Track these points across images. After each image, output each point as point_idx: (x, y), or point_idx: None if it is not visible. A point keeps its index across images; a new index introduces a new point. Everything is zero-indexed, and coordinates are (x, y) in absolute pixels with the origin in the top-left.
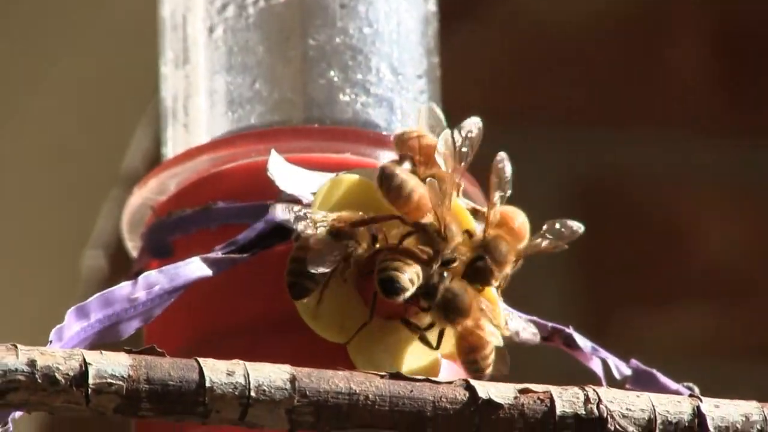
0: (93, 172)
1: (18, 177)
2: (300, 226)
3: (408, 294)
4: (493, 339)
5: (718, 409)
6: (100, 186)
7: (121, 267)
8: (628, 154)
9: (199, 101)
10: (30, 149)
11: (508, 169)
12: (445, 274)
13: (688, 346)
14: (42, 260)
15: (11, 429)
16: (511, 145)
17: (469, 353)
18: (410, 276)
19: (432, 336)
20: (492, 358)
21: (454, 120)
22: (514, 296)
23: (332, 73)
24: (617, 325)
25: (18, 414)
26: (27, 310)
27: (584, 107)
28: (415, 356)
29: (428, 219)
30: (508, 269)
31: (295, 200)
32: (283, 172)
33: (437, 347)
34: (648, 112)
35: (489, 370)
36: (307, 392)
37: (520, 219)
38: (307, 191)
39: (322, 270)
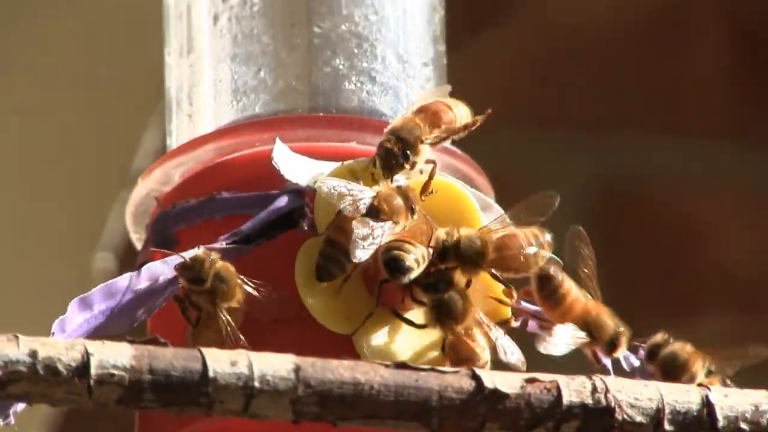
0: (102, 173)
1: (26, 178)
2: (345, 203)
3: (413, 275)
4: (484, 354)
5: (727, 399)
6: (109, 187)
7: (131, 269)
8: (649, 159)
9: (204, 91)
10: (38, 149)
11: None
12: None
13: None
14: (51, 262)
15: (13, 422)
16: (533, 150)
17: (457, 364)
18: (415, 256)
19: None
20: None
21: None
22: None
23: (337, 61)
24: (637, 333)
25: (20, 407)
26: (37, 313)
27: (606, 112)
28: (421, 345)
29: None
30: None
31: (299, 190)
32: (288, 161)
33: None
34: (670, 118)
35: None
36: (312, 382)
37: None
38: (312, 180)
39: (363, 259)
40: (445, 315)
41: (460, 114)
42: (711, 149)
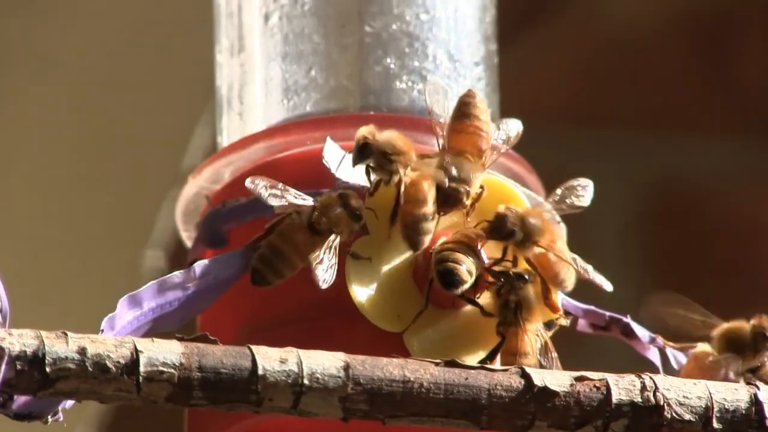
0: (153, 171)
1: (77, 176)
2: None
3: (466, 287)
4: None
5: None
6: (159, 185)
7: (181, 267)
8: (701, 159)
9: (255, 89)
10: (89, 147)
11: None
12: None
13: None
14: (102, 259)
15: (61, 419)
16: (585, 149)
17: (511, 359)
18: (468, 267)
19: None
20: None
21: (530, 123)
22: (586, 298)
23: (388, 60)
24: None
25: (69, 403)
26: (87, 310)
27: (659, 111)
28: (471, 344)
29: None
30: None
31: (350, 188)
32: (338, 159)
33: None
34: (724, 116)
35: None
36: (361, 380)
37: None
38: (363, 179)
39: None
40: (520, 312)
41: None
42: (762, 149)
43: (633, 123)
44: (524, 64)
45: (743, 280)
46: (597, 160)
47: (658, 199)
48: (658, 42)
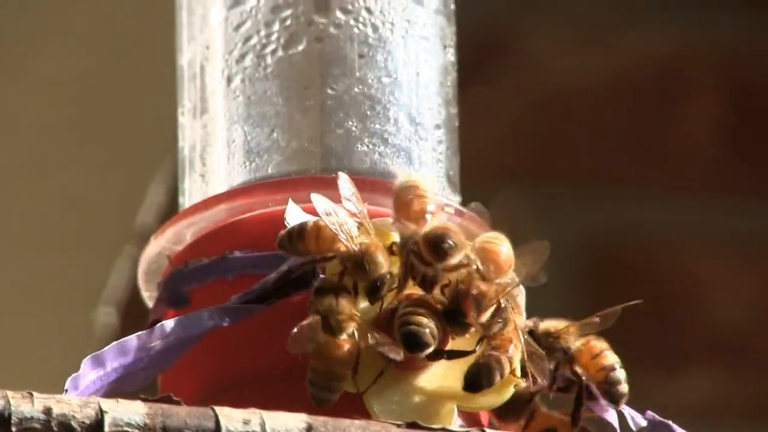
0: (106, 228)
1: (30, 230)
2: None
3: (430, 350)
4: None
5: None
6: (113, 242)
7: (133, 324)
8: (638, 214)
9: (217, 151)
10: (42, 202)
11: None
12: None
13: (696, 409)
14: (53, 315)
15: None
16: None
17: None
18: (431, 329)
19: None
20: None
21: (468, 177)
22: None
23: (350, 122)
24: (631, 388)
25: None
26: (40, 365)
27: (597, 168)
28: (430, 404)
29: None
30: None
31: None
32: (300, 221)
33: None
34: (659, 173)
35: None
36: None
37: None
38: None
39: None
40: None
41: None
42: (700, 203)
43: (569, 180)
44: (466, 120)
45: (674, 338)
46: (535, 215)
47: (595, 254)
48: (598, 99)
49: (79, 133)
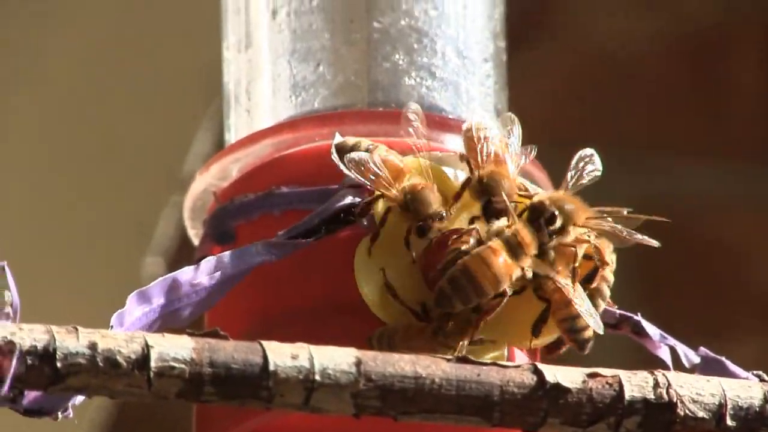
0: (153, 177)
1: (76, 181)
2: None
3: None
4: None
5: None
6: (159, 191)
7: None
8: (686, 181)
9: (263, 86)
10: (88, 152)
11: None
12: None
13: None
14: (101, 266)
15: (71, 415)
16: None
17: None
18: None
19: None
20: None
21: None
22: None
23: (397, 56)
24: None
25: (79, 399)
26: (89, 312)
27: (643, 133)
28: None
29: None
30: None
31: (358, 185)
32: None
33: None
34: (709, 139)
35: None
36: (373, 376)
37: None
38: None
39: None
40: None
41: None
42: (747, 171)
43: (617, 145)
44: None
45: (722, 304)
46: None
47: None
48: (648, 61)
49: (126, 79)
